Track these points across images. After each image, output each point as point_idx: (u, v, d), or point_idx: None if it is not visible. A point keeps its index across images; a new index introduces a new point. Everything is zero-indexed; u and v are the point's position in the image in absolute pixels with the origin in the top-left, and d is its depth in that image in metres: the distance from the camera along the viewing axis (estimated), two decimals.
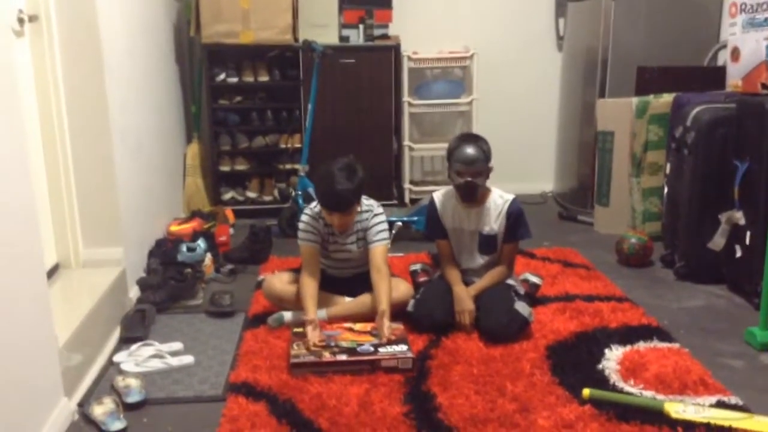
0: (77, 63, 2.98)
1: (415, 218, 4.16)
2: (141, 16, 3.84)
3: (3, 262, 1.94)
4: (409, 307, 2.97)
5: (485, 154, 2.92)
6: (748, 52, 3.67)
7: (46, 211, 2.95)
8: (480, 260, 3.08)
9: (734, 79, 3.83)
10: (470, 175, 2.90)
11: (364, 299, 2.99)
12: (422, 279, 3.22)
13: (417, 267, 3.30)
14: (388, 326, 2.77)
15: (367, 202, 3.04)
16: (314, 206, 3.05)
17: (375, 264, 2.93)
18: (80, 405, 2.39)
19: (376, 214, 3.02)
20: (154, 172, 3.95)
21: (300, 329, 2.80)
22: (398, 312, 2.98)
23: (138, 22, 3.77)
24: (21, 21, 2.76)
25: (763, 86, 3.52)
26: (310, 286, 2.91)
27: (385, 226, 3.03)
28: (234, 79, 4.73)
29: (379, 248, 2.96)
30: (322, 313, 2.94)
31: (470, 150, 2.90)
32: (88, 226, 3.10)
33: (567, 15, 5.06)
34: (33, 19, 2.84)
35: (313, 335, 2.74)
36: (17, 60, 2.57)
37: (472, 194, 2.95)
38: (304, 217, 3.03)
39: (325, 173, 2.87)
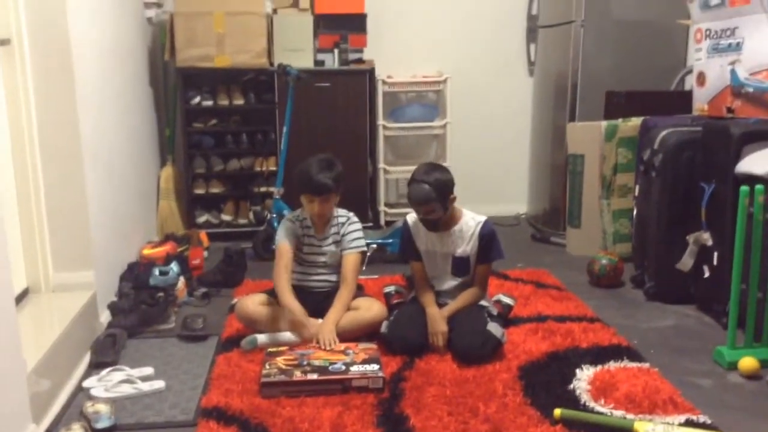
0: (49, 86, 2.97)
1: (390, 240, 4.18)
2: (115, 39, 3.84)
3: None
4: (383, 329, 2.97)
5: (437, 192, 2.88)
6: (714, 77, 3.75)
7: (16, 235, 2.92)
8: (453, 282, 3.10)
9: (700, 103, 3.91)
10: (423, 213, 2.96)
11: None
12: (396, 301, 3.22)
13: (391, 289, 3.30)
14: (328, 333, 2.85)
15: (344, 211, 3.20)
16: (293, 213, 3.22)
17: (343, 273, 3.06)
18: (48, 431, 2.35)
19: (352, 222, 3.18)
20: (127, 195, 3.94)
21: (274, 349, 2.79)
22: (372, 333, 2.99)
23: (111, 46, 3.77)
24: None
25: (728, 110, 3.60)
26: (285, 279, 3.02)
27: (361, 234, 3.16)
28: (209, 103, 4.74)
29: (352, 256, 3.10)
30: (293, 337, 2.95)
31: (418, 191, 2.90)
32: (59, 249, 3.07)
33: (538, 40, 5.15)
34: (4, 42, 2.83)
35: (326, 333, 2.85)
36: None
37: (433, 226, 3.01)
38: (283, 222, 3.21)
39: (305, 164, 3.07)
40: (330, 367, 2.64)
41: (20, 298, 2.89)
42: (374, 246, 4.18)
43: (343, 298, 3.02)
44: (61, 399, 2.58)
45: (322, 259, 3.14)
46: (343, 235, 3.14)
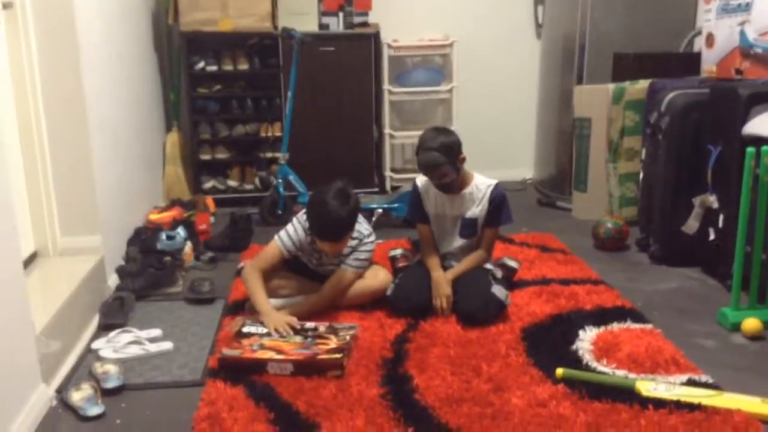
0: (53, 50, 2.97)
1: (396, 205, 4.19)
2: (118, 3, 3.82)
3: None
4: (388, 292, 2.99)
5: (446, 156, 2.86)
6: (723, 39, 3.71)
7: (23, 199, 2.94)
8: (459, 243, 3.11)
9: (709, 65, 3.87)
10: (437, 178, 2.94)
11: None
12: (401, 264, 3.23)
13: (397, 252, 3.31)
14: (287, 319, 2.71)
15: (358, 229, 2.95)
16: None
17: (327, 284, 2.94)
18: (58, 391, 2.39)
19: (365, 243, 2.97)
20: (133, 160, 3.95)
21: (247, 329, 2.70)
22: (378, 298, 3.01)
23: (115, 10, 3.75)
24: None
25: (737, 71, 3.56)
26: (256, 279, 2.85)
27: (367, 256, 3.00)
28: (213, 68, 4.72)
29: (347, 274, 2.94)
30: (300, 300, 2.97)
31: (428, 158, 2.87)
32: (66, 214, 3.09)
33: (545, 3, 5.08)
34: (7, 6, 2.82)
35: (276, 319, 2.71)
36: None
37: (447, 188, 3.00)
38: (295, 223, 2.96)
39: (319, 199, 2.78)
40: (294, 350, 2.54)
41: (28, 262, 2.92)
42: (380, 211, 4.19)
43: (313, 304, 2.91)
44: (70, 360, 2.62)
45: (332, 269, 2.99)
46: (352, 251, 2.96)
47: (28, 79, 2.91)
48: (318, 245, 2.91)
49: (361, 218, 3.00)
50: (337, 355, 2.49)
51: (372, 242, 3.03)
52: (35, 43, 2.93)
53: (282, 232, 2.97)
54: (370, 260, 3.06)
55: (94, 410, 2.24)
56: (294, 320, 2.74)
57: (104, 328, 2.86)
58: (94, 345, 2.72)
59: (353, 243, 2.96)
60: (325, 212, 2.75)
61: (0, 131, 2.18)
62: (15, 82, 2.89)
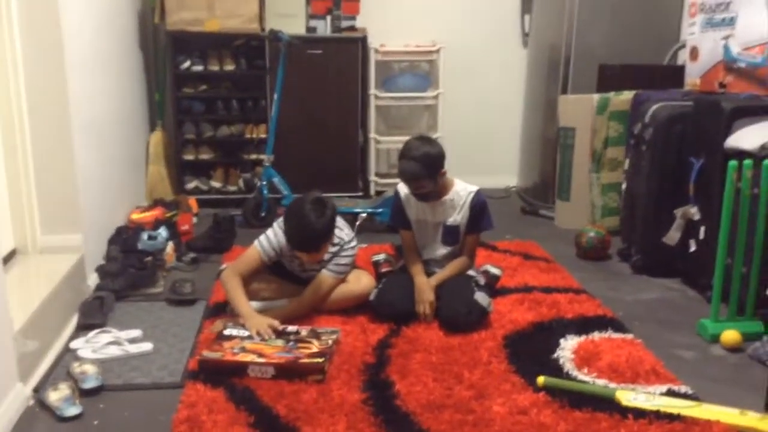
0: (37, 47, 2.93)
1: (380, 210, 4.18)
2: (104, 1, 3.78)
3: None
4: (371, 297, 2.99)
5: (427, 168, 2.86)
6: (707, 52, 3.74)
7: (4, 196, 2.91)
8: (442, 250, 3.11)
9: (693, 77, 3.90)
10: (413, 188, 2.95)
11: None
12: (385, 269, 3.23)
13: (380, 257, 3.31)
14: (269, 322, 2.70)
15: (339, 235, 2.94)
16: None
17: (316, 283, 2.93)
18: (35, 390, 2.36)
19: (346, 249, 2.96)
20: (116, 158, 3.91)
21: (229, 332, 2.69)
22: (361, 303, 3.00)
23: (101, 7, 3.72)
24: None
25: (720, 85, 3.60)
26: (236, 282, 2.84)
27: (348, 261, 2.98)
28: (199, 68, 4.70)
29: (328, 277, 2.93)
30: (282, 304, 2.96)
31: (408, 168, 2.88)
32: (47, 211, 3.06)
33: (532, 12, 5.11)
34: None
35: (258, 322, 2.70)
36: None
37: (424, 198, 3.00)
38: (276, 230, 2.93)
39: (295, 211, 2.79)
40: (276, 353, 2.52)
41: (7, 260, 2.88)
42: (364, 215, 4.19)
43: (294, 309, 2.91)
44: (48, 359, 2.59)
45: (312, 275, 2.98)
46: (332, 257, 2.95)
47: (11, 75, 2.88)
48: (297, 254, 2.90)
49: (342, 223, 2.99)
50: (319, 360, 2.48)
51: (353, 248, 3.02)
52: (19, 39, 2.89)
53: (262, 237, 2.95)
54: (351, 265, 3.05)
55: (72, 411, 2.21)
56: (276, 323, 2.73)
57: (83, 328, 2.83)
58: (73, 345, 2.69)
59: (334, 249, 2.95)
60: (301, 225, 2.76)
61: None
62: None
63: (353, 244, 3.02)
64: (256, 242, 2.95)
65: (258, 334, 2.66)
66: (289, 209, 2.89)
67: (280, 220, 2.95)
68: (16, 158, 2.94)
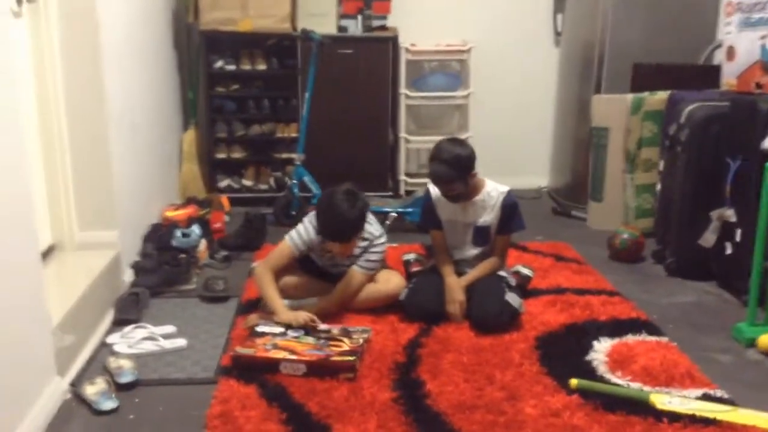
0: (75, 45, 2.98)
1: (410, 210, 4.18)
2: (140, 0, 3.83)
3: None
4: (402, 296, 2.99)
5: (457, 170, 2.87)
6: (743, 52, 3.69)
7: (42, 193, 2.96)
8: (473, 251, 3.10)
9: (729, 77, 3.85)
10: (444, 190, 2.95)
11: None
12: (415, 269, 3.24)
13: (410, 257, 3.32)
14: (305, 315, 2.75)
15: (369, 230, 2.97)
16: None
17: (346, 279, 2.96)
18: (72, 384, 2.41)
19: (375, 245, 2.98)
20: (150, 156, 3.96)
21: (262, 329, 2.71)
22: (391, 303, 3.01)
23: (137, 6, 3.77)
24: (19, 1, 2.76)
25: (757, 85, 3.54)
26: (269, 278, 2.88)
27: (377, 257, 3.01)
28: (231, 67, 4.74)
29: (358, 274, 2.96)
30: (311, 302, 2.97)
31: (439, 171, 2.89)
32: (84, 208, 3.11)
33: (565, 11, 5.07)
34: (31, 0, 2.84)
35: (289, 316, 2.75)
36: (15, 40, 2.58)
37: (454, 199, 2.99)
38: (306, 224, 2.96)
39: (327, 202, 2.83)
40: (307, 351, 2.54)
41: (45, 255, 2.93)
42: (394, 215, 4.19)
43: (324, 306, 2.93)
44: (85, 354, 2.63)
45: (343, 270, 3.01)
46: (363, 251, 2.98)
47: (49, 73, 2.93)
48: (328, 245, 2.92)
49: (372, 219, 3.01)
50: (350, 358, 2.49)
51: (383, 244, 3.03)
52: (57, 37, 2.95)
53: (293, 232, 2.98)
54: (381, 262, 3.06)
55: (108, 404, 2.25)
56: (313, 316, 2.76)
57: (119, 323, 2.87)
58: (109, 339, 2.74)
59: (364, 244, 2.96)
60: (332, 214, 2.79)
61: (21, 126, 2.19)
62: (36, 77, 2.90)
63: (383, 240, 3.03)
64: (287, 237, 2.98)
65: (290, 326, 2.69)
66: (322, 199, 2.92)
67: (311, 214, 2.98)
68: (54, 156, 2.99)
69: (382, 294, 3.02)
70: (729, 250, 3.22)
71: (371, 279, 3.02)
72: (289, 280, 3.02)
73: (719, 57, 4.23)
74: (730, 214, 3.20)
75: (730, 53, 3.83)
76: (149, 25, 4.06)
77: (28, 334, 2.15)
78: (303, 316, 2.75)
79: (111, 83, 3.14)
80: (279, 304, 2.82)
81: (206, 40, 4.66)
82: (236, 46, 4.79)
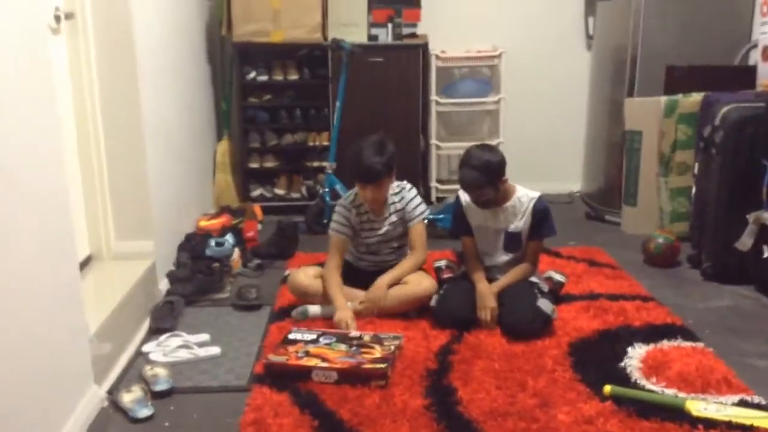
0: (111, 59, 3.06)
1: (441, 216, 4.18)
2: (174, 14, 3.92)
3: (37, 253, 2.01)
4: (433, 303, 2.99)
5: (487, 176, 2.88)
6: None
7: (80, 205, 3.03)
8: (504, 257, 3.09)
9: (765, 78, 3.78)
10: (473, 196, 2.96)
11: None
12: (446, 275, 3.23)
13: (442, 263, 3.31)
14: (376, 299, 2.96)
15: (398, 183, 3.14)
16: (347, 197, 3.15)
17: (413, 243, 3.13)
18: (109, 392, 2.45)
19: (409, 190, 3.15)
20: (185, 167, 4.03)
21: (294, 336, 2.75)
22: (421, 307, 3.01)
23: (171, 21, 3.84)
24: (57, 18, 2.84)
25: None
26: (334, 278, 3.02)
27: (420, 200, 3.16)
28: (264, 78, 4.80)
29: (419, 225, 3.13)
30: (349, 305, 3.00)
31: (469, 177, 2.91)
32: (120, 219, 3.18)
33: (596, 14, 5.03)
34: (69, 16, 2.92)
35: (343, 315, 2.86)
36: (54, 56, 2.65)
37: (484, 205, 3.00)
38: (337, 208, 3.15)
39: (356, 148, 3.01)
40: (339, 358, 2.56)
41: (83, 265, 2.99)
42: (425, 221, 4.18)
43: (410, 263, 3.10)
44: (121, 362, 2.68)
45: (382, 239, 3.13)
46: (405, 207, 3.12)
47: (86, 87, 3.01)
48: (360, 195, 3.04)
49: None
50: (382, 365, 2.50)
51: (412, 187, 3.18)
52: (94, 52, 3.03)
53: (332, 223, 3.14)
54: (424, 205, 3.19)
55: (144, 412, 2.29)
56: (352, 322, 2.87)
57: (154, 332, 2.92)
58: (145, 348, 2.78)
59: (398, 197, 3.11)
60: (362, 155, 2.96)
61: (60, 137, 2.25)
62: (74, 89, 2.98)
63: (410, 185, 3.19)
64: (329, 231, 3.14)
65: (324, 333, 2.77)
66: (351, 147, 3.07)
67: (340, 200, 3.21)
68: (91, 167, 3.06)
69: (414, 296, 3.03)
70: (766, 254, 3.16)
71: (424, 231, 3.15)
72: (314, 283, 3.10)
73: (755, 57, 4.15)
74: (767, 217, 3.14)
75: (766, 53, 3.76)
76: (183, 39, 4.13)
77: (66, 343, 2.20)
78: (348, 318, 2.87)
79: (146, 96, 3.20)
80: (340, 301, 2.95)
81: (239, 51, 4.73)
82: (268, 57, 4.85)
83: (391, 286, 3.01)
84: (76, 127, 3.01)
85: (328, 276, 3.04)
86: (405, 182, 3.19)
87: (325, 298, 3.04)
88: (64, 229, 2.23)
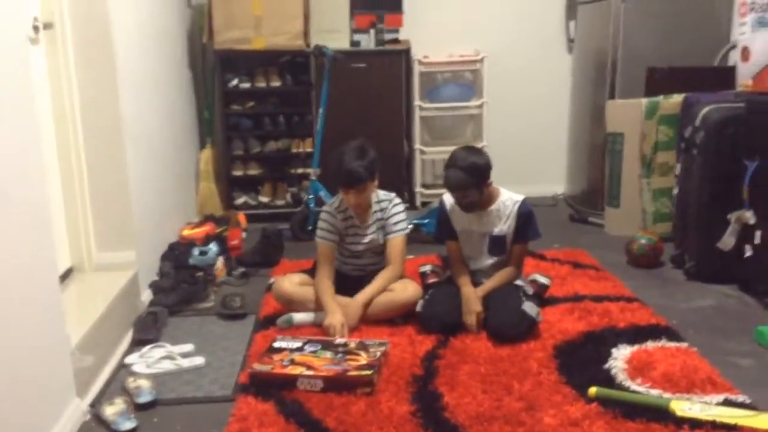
0: (91, 68, 3.04)
1: (426, 221, 4.18)
2: (154, 22, 3.90)
3: (17, 265, 1.98)
4: (418, 308, 2.98)
5: (472, 178, 2.88)
6: (759, 52, 3.66)
7: (60, 215, 3.00)
8: (489, 261, 3.09)
9: (745, 78, 3.81)
10: (458, 198, 2.96)
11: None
12: (432, 280, 3.23)
13: (427, 268, 3.31)
14: (349, 316, 2.91)
15: (385, 193, 3.16)
16: (332, 203, 3.15)
17: (388, 256, 3.09)
18: (92, 405, 2.43)
19: (395, 204, 3.15)
20: (167, 176, 4.01)
21: (279, 344, 2.73)
22: (407, 313, 3.00)
23: (151, 29, 3.82)
24: (36, 28, 2.82)
25: None
26: (326, 285, 3.01)
27: (404, 216, 3.15)
28: (246, 85, 4.79)
29: (396, 239, 3.11)
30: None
31: (454, 177, 2.91)
32: (102, 230, 3.15)
33: (577, 17, 5.06)
34: (48, 26, 2.90)
35: (334, 319, 2.86)
36: (33, 66, 2.62)
37: (468, 208, 2.99)
38: (322, 215, 3.16)
39: (337, 154, 3.02)
40: (324, 366, 2.54)
41: (64, 277, 2.97)
42: (410, 226, 4.18)
43: (385, 277, 3.05)
44: (104, 375, 2.66)
45: (366, 247, 3.14)
46: (387, 219, 3.12)
47: (66, 96, 2.98)
48: (345, 200, 3.04)
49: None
50: (368, 372, 2.49)
51: (400, 203, 3.17)
52: (74, 62, 3.00)
53: (317, 231, 3.14)
54: (408, 220, 3.19)
55: (127, 425, 2.26)
56: (343, 327, 2.86)
57: (137, 343, 2.89)
58: (128, 360, 2.75)
59: (384, 204, 3.12)
60: (344, 160, 2.97)
61: (39, 148, 2.23)
62: (54, 99, 2.96)
63: (399, 200, 3.18)
64: (316, 239, 3.13)
65: (327, 329, 2.84)
66: (332, 154, 3.10)
67: (324, 207, 3.23)
68: (71, 177, 3.04)
69: (399, 302, 3.02)
70: (749, 253, 3.18)
71: (403, 246, 3.12)
72: (299, 290, 3.09)
73: (734, 58, 4.19)
74: (749, 216, 3.17)
75: (745, 54, 3.79)
76: (164, 46, 4.11)
77: (47, 356, 2.17)
78: (339, 323, 2.86)
79: (127, 105, 3.18)
80: (331, 305, 2.94)
81: (221, 59, 4.71)
82: (250, 64, 4.84)
83: (367, 304, 2.99)
84: (55, 138, 2.98)
85: (320, 284, 3.02)
86: (394, 195, 3.19)
87: (317, 305, 3.03)
88: (45, 241, 2.20)
